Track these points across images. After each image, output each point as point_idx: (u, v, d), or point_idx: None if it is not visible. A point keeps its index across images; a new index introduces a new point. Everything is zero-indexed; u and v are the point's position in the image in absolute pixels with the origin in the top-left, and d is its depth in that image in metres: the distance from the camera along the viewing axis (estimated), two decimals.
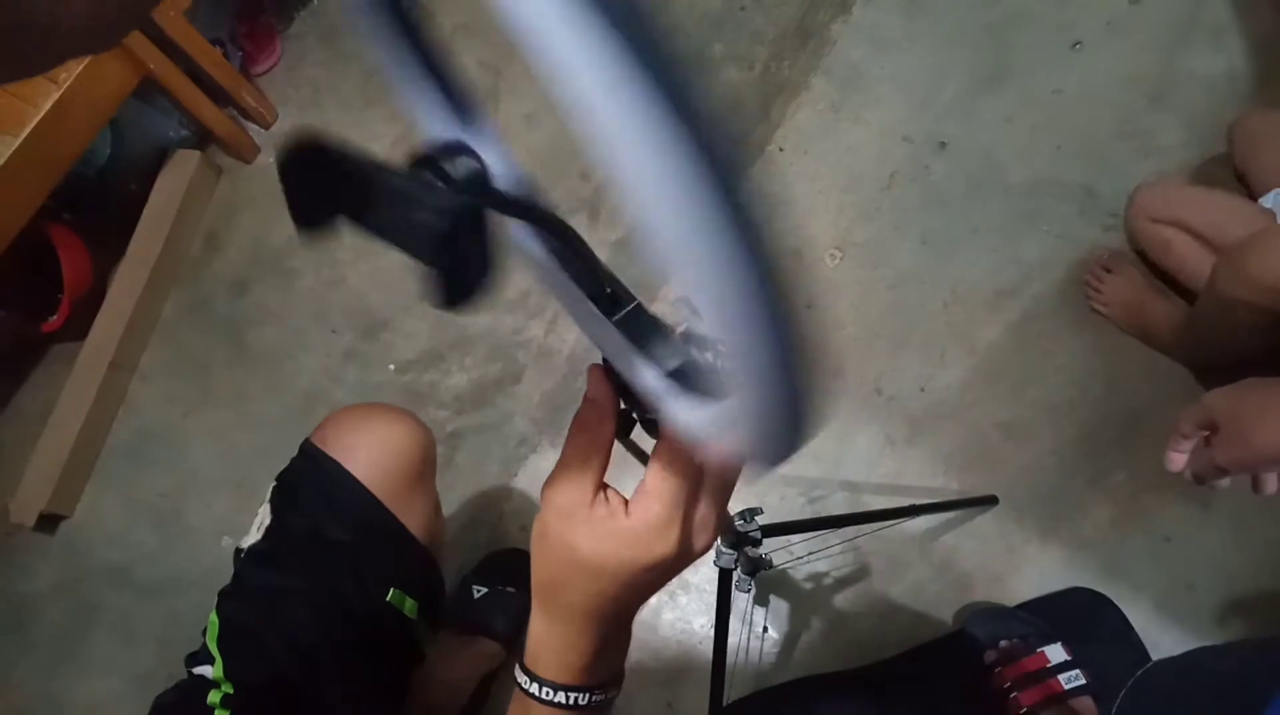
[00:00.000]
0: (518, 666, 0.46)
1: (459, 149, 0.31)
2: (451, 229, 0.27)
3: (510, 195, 0.36)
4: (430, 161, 0.31)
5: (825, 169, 1.37)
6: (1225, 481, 0.72)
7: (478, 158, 0.31)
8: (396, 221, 0.30)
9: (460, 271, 0.29)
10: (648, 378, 0.36)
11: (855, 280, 1.31)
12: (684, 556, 0.42)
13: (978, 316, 1.25)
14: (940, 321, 1.26)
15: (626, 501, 0.42)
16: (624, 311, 0.39)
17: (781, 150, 1.40)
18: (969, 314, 1.26)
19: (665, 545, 0.41)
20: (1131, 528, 1.13)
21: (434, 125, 0.39)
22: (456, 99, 0.37)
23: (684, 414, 0.34)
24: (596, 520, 0.41)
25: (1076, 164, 1.28)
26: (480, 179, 0.31)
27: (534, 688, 0.45)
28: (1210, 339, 1.06)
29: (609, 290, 0.39)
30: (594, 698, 0.46)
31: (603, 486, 0.42)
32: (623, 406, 0.44)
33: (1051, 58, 1.33)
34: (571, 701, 0.45)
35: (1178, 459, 0.74)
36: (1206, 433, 0.72)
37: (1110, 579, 1.12)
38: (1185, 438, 0.74)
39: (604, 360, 0.43)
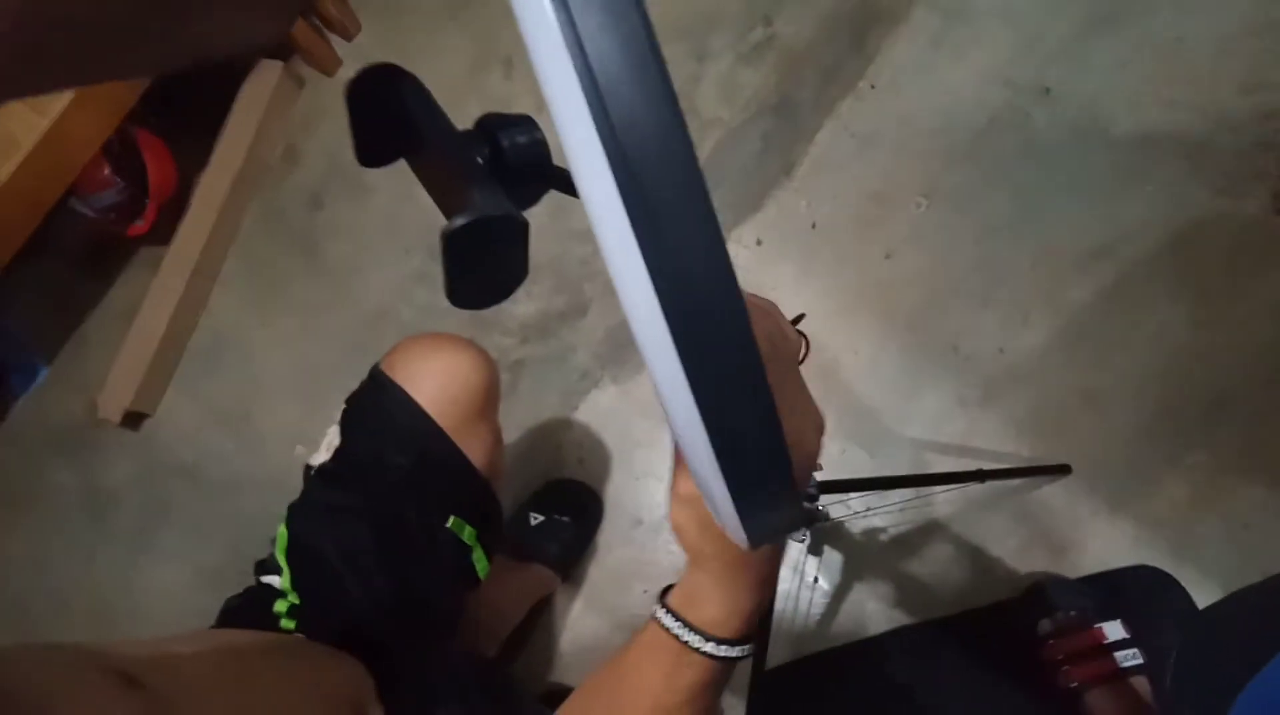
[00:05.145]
0: (683, 628, 0.48)
1: (522, 123, 0.30)
2: (477, 224, 0.26)
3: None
4: (490, 129, 0.29)
5: (919, 109, 1.30)
6: None
7: (539, 132, 0.30)
8: (438, 184, 0.29)
9: (475, 268, 0.27)
10: None
11: (940, 230, 1.25)
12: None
13: (1067, 277, 1.19)
14: (1027, 280, 1.21)
15: None
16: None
17: (874, 88, 1.33)
18: (1058, 274, 1.20)
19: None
20: (1208, 510, 1.09)
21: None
22: None
23: None
24: None
25: (1191, 119, 1.18)
26: (538, 152, 0.30)
27: (722, 650, 0.48)
28: None
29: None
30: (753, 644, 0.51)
31: None
32: None
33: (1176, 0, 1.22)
34: (745, 652, 0.50)
35: None
36: None
37: (1179, 560, 1.08)
38: None
39: None
